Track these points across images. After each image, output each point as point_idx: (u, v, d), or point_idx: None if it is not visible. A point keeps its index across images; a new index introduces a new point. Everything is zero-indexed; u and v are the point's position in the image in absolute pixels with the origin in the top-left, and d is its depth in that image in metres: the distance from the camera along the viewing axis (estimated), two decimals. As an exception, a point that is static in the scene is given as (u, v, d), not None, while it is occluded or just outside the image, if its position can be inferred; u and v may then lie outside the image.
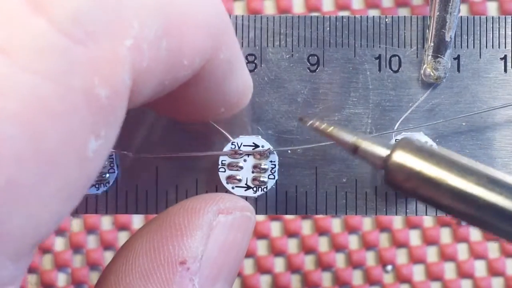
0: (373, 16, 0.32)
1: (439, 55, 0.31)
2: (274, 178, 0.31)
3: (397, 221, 0.52)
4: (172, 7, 0.22)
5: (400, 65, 0.32)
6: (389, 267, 0.52)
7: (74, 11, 0.19)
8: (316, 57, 0.32)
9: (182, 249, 0.25)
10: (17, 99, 0.18)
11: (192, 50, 0.23)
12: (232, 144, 0.31)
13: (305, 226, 0.52)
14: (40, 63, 0.18)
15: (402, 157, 0.26)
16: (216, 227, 0.27)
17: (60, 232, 0.52)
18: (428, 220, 0.52)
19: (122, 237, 0.52)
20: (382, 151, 0.26)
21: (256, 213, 0.32)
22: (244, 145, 0.31)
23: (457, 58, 0.32)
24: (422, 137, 0.31)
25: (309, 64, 0.32)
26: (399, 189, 0.26)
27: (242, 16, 0.32)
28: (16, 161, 0.18)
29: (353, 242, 0.52)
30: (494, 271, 0.51)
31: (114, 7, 0.20)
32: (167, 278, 0.25)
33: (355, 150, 0.27)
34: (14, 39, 0.18)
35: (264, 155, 0.31)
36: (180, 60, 0.22)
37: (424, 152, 0.26)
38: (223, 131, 0.32)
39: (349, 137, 0.27)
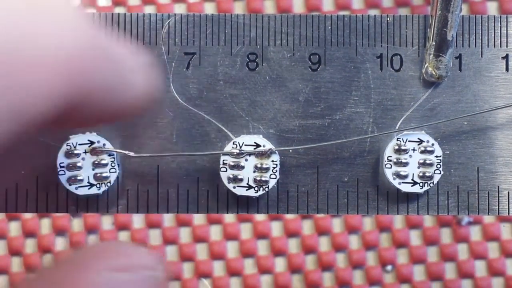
0: (375, 15, 0.32)
1: (441, 54, 0.31)
2: (275, 178, 0.31)
3: (397, 221, 0.52)
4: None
5: (401, 64, 0.32)
6: (389, 267, 0.52)
7: None
8: (317, 56, 0.32)
9: None
10: None
11: (35, 93, 0.19)
12: (233, 143, 0.31)
13: (305, 226, 0.52)
14: None
15: None
16: None
17: (60, 232, 0.52)
18: (428, 220, 0.52)
19: (122, 237, 0.52)
20: None
21: (257, 213, 0.32)
22: (245, 145, 0.31)
23: (459, 57, 0.32)
24: (423, 136, 0.31)
25: (310, 63, 0.32)
26: None
27: (243, 15, 0.32)
28: None
29: (353, 242, 0.52)
30: (494, 271, 0.51)
31: None
32: None
33: None
34: None
35: (265, 154, 0.31)
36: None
37: None
38: (225, 129, 0.32)
39: None
